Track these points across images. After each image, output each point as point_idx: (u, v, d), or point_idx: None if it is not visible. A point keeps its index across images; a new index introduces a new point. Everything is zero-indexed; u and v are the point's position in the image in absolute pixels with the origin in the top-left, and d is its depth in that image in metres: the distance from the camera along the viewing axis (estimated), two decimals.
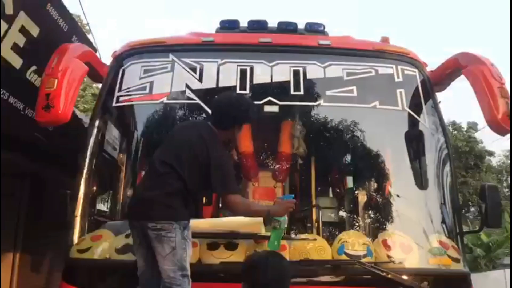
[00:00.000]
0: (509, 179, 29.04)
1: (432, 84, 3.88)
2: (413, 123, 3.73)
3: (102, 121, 3.72)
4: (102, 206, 3.76)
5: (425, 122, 3.71)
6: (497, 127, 3.21)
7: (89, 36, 5.36)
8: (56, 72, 3.19)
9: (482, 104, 3.26)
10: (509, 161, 28.36)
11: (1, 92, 3.50)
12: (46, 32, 3.72)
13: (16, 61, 3.56)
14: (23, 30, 3.52)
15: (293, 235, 3.44)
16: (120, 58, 3.93)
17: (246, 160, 3.84)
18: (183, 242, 2.72)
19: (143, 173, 3.27)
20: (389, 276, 2.98)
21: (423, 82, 3.86)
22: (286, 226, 2.96)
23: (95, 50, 4.68)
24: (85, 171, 3.54)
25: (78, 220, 3.42)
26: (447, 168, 3.63)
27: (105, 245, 3.20)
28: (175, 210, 2.74)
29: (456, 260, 3.22)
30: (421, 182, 3.60)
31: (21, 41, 3.54)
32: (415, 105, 3.77)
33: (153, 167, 2.88)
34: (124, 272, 2.99)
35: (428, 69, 4.01)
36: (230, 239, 3.15)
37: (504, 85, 3.25)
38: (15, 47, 3.51)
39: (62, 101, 3.12)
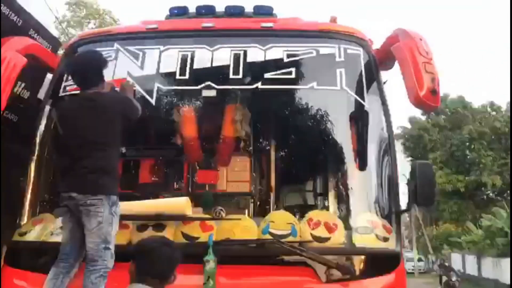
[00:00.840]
0: None
1: (376, 62, 3.82)
2: (351, 102, 3.70)
3: (50, 110, 3.88)
4: (49, 191, 3.90)
5: (364, 101, 3.66)
6: (421, 105, 3.15)
7: None
8: None
9: (406, 80, 3.20)
10: None
11: None
12: None
13: None
14: None
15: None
16: (70, 49, 4.08)
17: (190, 143, 3.93)
18: (109, 217, 2.91)
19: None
20: (309, 255, 3.02)
21: (366, 61, 3.81)
22: (215, 264, 2.97)
23: (59, 44, 4.84)
24: (34, 158, 3.74)
25: (26, 206, 3.64)
26: (386, 147, 3.59)
27: (42, 228, 3.37)
28: (103, 185, 2.93)
29: (384, 239, 3.21)
30: (356, 161, 3.59)
31: None
32: (356, 85, 3.74)
33: (75, 147, 3.03)
34: (54, 252, 3.15)
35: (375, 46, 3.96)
36: (157, 221, 3.26)
37: (431, 60, 3.18)
38: None
39: None
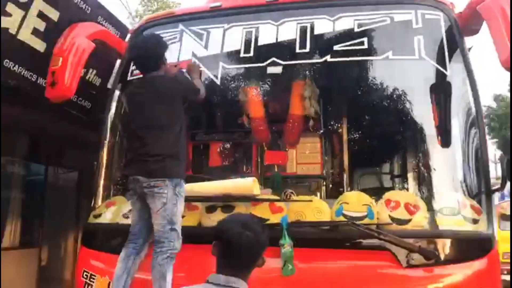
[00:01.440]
0: None
1: (459, 28, 3.43)
2: (432, 72, 3.35)
3: (120, 93, 3.92)
4: (121, 175, 3.96)
5: (446, 70, 3.30)
6: None
7: None
8: (61, 51, 3.43)
9: (497, 42, 2.81)
10: None
11: (29, 75, 3.86)
12: (67, 16, 3.97)
13: (40, 45, 3.87)
14: (41, 15, 3.81)
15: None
16: (136, 33, 4.07)
17: (257, 124, 3.80)
18: (174, 197, 2.88)
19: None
20: (387, 238, 2.77)
21: (448, 26, 3.42)
22: (291, 248, 2.81)
23: (126, 29, 4.90)
24: (106, 142, 3.81)
25: (100, 189, 3.72)
26: (474, 122, 3.21)
27: (116, 210, 3.41)
28: (166, 168, 2.90)
29: (474, 221, 2.87)
30: (440, 137, 3.25)
31: (41, 26, 3.83)
32: (437, 53, 3.38)
33: (139, 131, 3.03)
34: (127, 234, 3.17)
35: (458, 10, 3.56)
36: (226, 202, 3.16)
37: None
38: (36, 32, 3.81)
39: (66, 78, 3.34)
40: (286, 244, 2.82)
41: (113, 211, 3.44)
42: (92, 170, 3.79)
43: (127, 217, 3.29)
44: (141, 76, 3.35)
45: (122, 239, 3.21)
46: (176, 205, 2.87)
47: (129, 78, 3.85)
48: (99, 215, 3.45)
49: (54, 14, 3.90)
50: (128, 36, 4.15)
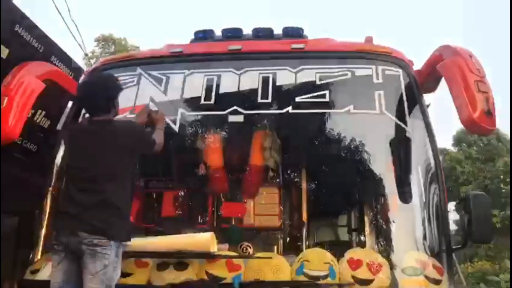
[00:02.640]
0: None
1: (418, 84, 3.50)
2: (393, 127, 3.36)
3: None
4: None
5: (406, 126, 3.33)
6: (474, 127, 2.79)
7: None
8: (7, 90, 3.19)
9: (457, 101, 2.86)
10: None
11: None
12: (18, 53, 3.75)
13: None
14: None
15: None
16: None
17: (216, 174, 3.65)
18: (115, 260, 2.58)
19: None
20: None
21: (407, 82, 3.49)
22: None
23: (81, 70, 4.72)
24: (50, 188, 3.52)
25: (41, 240, 3.40)
26: (433, 177, 3.22)
27: None
28: (113, 227, 2.59)
29: (436, 282, 2.79)
30: (400, 192, 3.21)
31: None
32: (397, 108, 3.42)
33: (79, 180, 2.71)
34: None
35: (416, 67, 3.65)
36: (179, 259, 2.94)
37: (483, 78, 2.84)
38: None
39: (10, 119, 3.10)
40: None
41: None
42: (33, 217, 3.48)
43: None
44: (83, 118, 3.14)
45: None
46: (116, 269, 2.56)
47: (80, 120, 3.65)
48: (37, 271, 3.11)
49: (3, 51, 3.67)
50: (82, 77, 3.96)
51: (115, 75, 3.70)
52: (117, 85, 2.95)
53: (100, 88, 2.85)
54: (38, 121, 4.20)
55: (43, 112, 4.24)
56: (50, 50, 4.20)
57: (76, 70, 4.58)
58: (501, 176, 32.39)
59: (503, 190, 32.22)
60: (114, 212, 2.62)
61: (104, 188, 2.62)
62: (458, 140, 31.69)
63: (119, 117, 3.15)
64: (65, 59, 4.44)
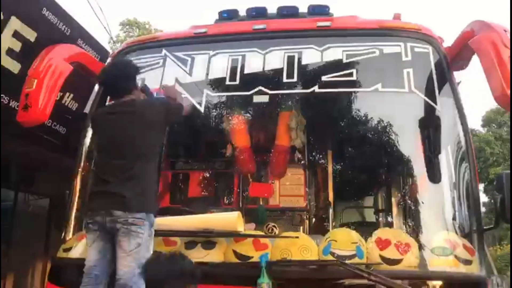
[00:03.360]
0: None
1: (448, 61, 3.39)
2: (422, 106, 3.28)
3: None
4: None
5: (436, 104, 3.23)
6: (507, 104, 2.69)
7: None
8: (36, 73, 3.23)
9: (490, 77, 2.75)
10: None
11: (1, 97, 3.64)
12: (45, 37, 3.80)
13: (14, 66, 3.68)
14: (17, 35, 3.63)
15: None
16: (116, 57, 3.92)
17: (242, 155, 3.65)
18: (148, 240, 2.63)
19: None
20: (378, 279, 2.61)
21: (437, 60, 3.38)
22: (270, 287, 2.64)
23: (107, 52, 4.75)
24: (79, 170, 3.58)
25: (72, 220, 3.48)
26: (464, 156, 3.13)
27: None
28: (145, 202, 2.65)
29: (466, 262, 2.74)
30: (429, 172, 3.15)
31: (16, 46, 3.65)
32: (427, 86, 3.32)
33: (109, 160, 2.78)
34: None
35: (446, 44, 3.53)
36: (207, 237, 2.97)
37: None
38: (10, 52, 3.62)
39: (40, 101, 3.14)
40: (264, 284, 2.64)
41: (85, 245, 3.18)
42: (64, 198, 3.55)
43: None
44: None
45: None
46: (149, 248, 2.62)
47: (107, 103, 3.68)
48: (70, 249, 3.19)
49: (31, 35, 3.73)
50: (109, 59, 3.98)
51: (141, 57, 3.79)
52: (134, 66, 3.01)
53: (118, 71, 2.93)
54: (66, 103, 4.27)
55: (71, 95, 4.31)
56: (76, 33, 4.25)
57: (102, 52, 4.62)
58: None
59: None
60: (145, 187, 2.67)
61: (133, 165, 2.67)
62: (487, 121, 30.94)
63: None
64: (92, 42, 4.48)
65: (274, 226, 3.57)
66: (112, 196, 2.62)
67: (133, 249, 2.54)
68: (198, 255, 2.93)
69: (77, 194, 3.53)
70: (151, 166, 2.75)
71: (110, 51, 5.47)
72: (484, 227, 2.90)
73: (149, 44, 3.91)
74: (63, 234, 3.37)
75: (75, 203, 3.51)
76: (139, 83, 3.01)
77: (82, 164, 3.62)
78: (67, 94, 4.22)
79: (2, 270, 6.29)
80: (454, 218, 3.00)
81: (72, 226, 3.44)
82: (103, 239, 2.66)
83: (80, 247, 3.18)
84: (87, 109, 4.26)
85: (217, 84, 3.54)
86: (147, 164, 2.71)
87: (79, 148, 3.61)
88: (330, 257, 2.78)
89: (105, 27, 6.33)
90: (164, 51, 3.73)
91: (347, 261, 2.71)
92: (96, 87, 4.06)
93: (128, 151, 2.71)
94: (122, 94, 2.88)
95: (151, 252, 2.64)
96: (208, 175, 4.07)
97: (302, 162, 4.12)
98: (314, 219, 4.36)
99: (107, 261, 2.64)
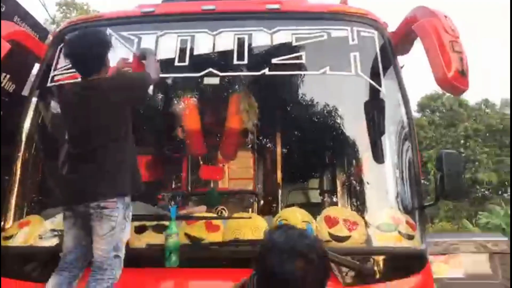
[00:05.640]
0: None
1: (392, 46, 3.52)
2: (368, 89, 3.39)
3: (38, 102, 3.55)
4: (38, 192, 3.57)
5: (381, 87, 3.36)
6: (448, 86, 2.86)
7: None
8: None
9: (432, 60, 2.90)
10: None
11: None
12: None
13: None
14: None
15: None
16: (58, 37, 3.74)
17: (192, 137, 3.62)
18: (123, 222, 2.61)
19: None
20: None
21: (381, 44, 3.50)
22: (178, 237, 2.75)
23: (47, 33, 4.50)
24: (20, 156, 3.41)
25: (12, 207, 3.31)
26: (406, 137, 3.30)
27: (30, 231, 3.04)
28: (116, 184, 2.60)
29: (409, 237, 2.91)
30: (373, 152, 3.28)
31: None
32: (372, 70, 3.44)
33: (76, 145, 2.72)
34: (46, 258, 2.83)
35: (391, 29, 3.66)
36: (158, 221, 2.94)
37: (458, 39, 2.89)
38: None
39: None
40: (174, 235, 2.75)
41: (27, 232, 3.05)
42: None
43: (45, 239, 2.95)
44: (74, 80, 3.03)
45: (38, 264, 2.89)
46: (124, 230, 2.60)
47: (49, 84, 3.51)
48: (10, 237, 3.04)
49: None
50: (49, 38, 3.78)
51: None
52: (106, 42, 2.84)
53: (89, 47, 2.72)
54: (2, 84, 4.00)
55: (7, 76, 4.05)
56: (13, 10, 3.98)
57: (40, 32, 4.36)
58: (462, 141, 33.64)
59: (463, 154, 33.53)
60: (114, 170, 2.61)
61: (102, 149, 2.60)
62: (422, 106, 32.54)
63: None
64: (29, 21, 4.21)
65: (223, 209, 3.58)
66: (82, 186, 2.58)
67: (107, 232, 2.53)
68: (149, 240, 2.90)
69: (17, 181, 3.37)
70: (121, 148, 2.65)
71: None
72: (425, 204, 3.07)
73: (93, 23, 3.74)
74: (2, 222, 3.20)
75: (15, 190, 3.35)
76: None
77: (22, 149, 3.45)
78: (3, 74, 3.95)
79: None
80: (397, 196, 3.15)
81: (12, 213, 3.29)
82: (78, 226, 2.63)
83: (22, 234, 3.05)
84: (25, 91, 4.02)
85: (166, 65, 3.46)
86: (115, 147, 2.62)
87: (19, 132, 3.43)
88: None
89: (43, 5, 5.95)
90: (109, 31, 3.60)
91: None
92: (35, 68, 3.86)
93: (94, 136, 2.62)
94: (91, 72, 2.72)
95: (128, 235, 2.64)
96: (157, 159, 3.99)
97: (251, 145, 4.15)
98: (263, 202, 4.41)
99: (83, 246, 2.62)
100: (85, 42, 2.77)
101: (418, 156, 3.23)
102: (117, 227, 2.55)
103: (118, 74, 2.96)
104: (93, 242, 2.56)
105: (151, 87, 3.28)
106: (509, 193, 27.71)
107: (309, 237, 1.60)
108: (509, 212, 19.40)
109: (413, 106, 26.79)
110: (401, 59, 3.63)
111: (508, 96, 28.93)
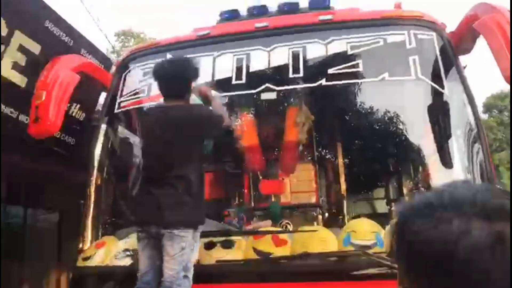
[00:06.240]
0: None
1: (453, 47, 3.40)
2: (430, 92, 3.29)
3: (107, 128, 3.74)
4: (111, 213, 3.74)
5: (444, 89, 3.24)
6: None
7: None
8: (45, 84, 3.25)
9: (498, 58, 2.76)
10: None
11: (10, 111, 3.65)
12: (49, 49, 3.81)
13: (20, 80, 3.69)
14: (22, 49, 3.64)
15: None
16: (121, 65, 3.94)
17: (251, 153, 3.66)
18: (192, 242, 2.64)
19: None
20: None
21: (441, 45, 3.39)
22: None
23: (111, 63, 4.77)
24: (93, 179, 3.60)
25: (88, 229, 3.49)
26: (475, 140, 3.14)
27: (105, 252, 3.18)
28: (187, 216, 2.63)
29: None
30: (441, 157, 3.15)
31: (21, 59, 3.66)
32: (433, 72, 3.33)
33: (150, 171, 2.77)
34: (121, 277, 2.95)
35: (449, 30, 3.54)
36: (226, 237, 2.98)
37: None
38: (16, 66, 3.63)
39: (50, 112, 3.15)
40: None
41: (103, 253, 3.20)
42: (74, 210, 3.57)
43: (119, 258, 3.07)
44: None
45: (115, 282, 3.00)
46: (193, 251, 2.65)
47: (116, 110, 3.70)
48: (89, 257, 3.20)
49: (35, 47, 3.74)
50: (113, 68, 4.00)
51: (145, 63, 3.80)
52: (195, 70, 2.89)
53: (179, 72, 2.81)
54: (73, 114, 4.28)
55: (78, 105, 4.32)
56: (79, 43, 4.26)
57: (105, 61, 4.63)
58: None
59: None
60: (189, 200, 2.63)
61: (180, 176, 2.63)
62: (488, 107, 30.87)
63: (154, 103, 3.21)
64: (94, 52, 4.49)
65: (288, 223, 3.57)
66: (157, 208, 2.60)
67: (177, 252, 2.55)
68: (218, 254, 2.95)
69: (92, 204, 3.54)
70: (196, 175, 2.68)
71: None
72: None
73: (152, 49, 3.92)
74: (80, 244, 3.37)
75: (90, 214, 3.52)
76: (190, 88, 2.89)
77: (94, 174, 3.64)
78: (74, 104, 4.22)
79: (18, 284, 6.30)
80: None
81: (88, 236, 3.46)
82: (152, 245, 2.66)
83: (99, 255, 3.20)
84: (94, 118, 4.27)
85: (224, 84, 3.55)
86: (191, 174, 2.65)
87: (91, 158, 3.62)
88: (350, 248, 2.79)
89: (106, 37, 6.30)
90: (168, 56, 3.74)
91: (368, 251, 2.72)
92: (102, 96, 4.08)
93: (173, 160, 2.66)
94: (176, 96, 2.79)
95: (196, 254, 2.68)
96: (219, 176, 4.06)
97: (311, 157, 4.12)
98: (327, 214, 4.36)
99: (157, 266, 2.64)
100: (179, 66, 2.86)
101: (490, 158, 3.06)
102: (187, 248, 2.56)
103: (205, 108, 2.97)
104: (164, 262, 2.57)
105: None
106: None
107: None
108: None
109: (479, 107, 25.51)
110: (463, 59, 3.51)
111: None
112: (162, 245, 2.60)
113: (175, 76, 2.79)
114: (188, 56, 3.22)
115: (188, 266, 2.60)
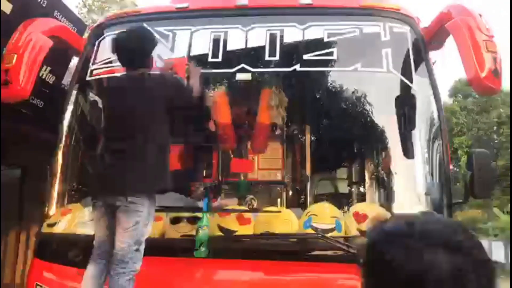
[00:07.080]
0: None
1: (425, 42, 3.51)
2: (399, 85, 3.40)
3: (77, 95, 3.71)
4: (78, 180, 3.75)
5: (412, 84, 3.36)
6: (481, 86, 2.84)
7: None
8: (15, 48, 3.17)
9: (464, 59, 2.89)
10: None
11: None
12: (21, 9, 3.69)
13: None
14: None
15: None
16: (95, 31, 3.86)
17: (223, 130, 3.72)
18: (147, 218, 2.68)
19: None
20: (355, 251, 2.78)
21: (414, 40, 3.49)
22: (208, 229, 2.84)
23: (85, 26, 4.66)
24: (61, 145, 3.58)
25: (54, 195, 3.50)
26: (437, 134, 3.30)
27: (71, 219, 3.22)
28: (146, 183, 2.68)
29: None
30: (403, 148, 3.30)
31: None
32: (404, 66, 3.44)
33: (111, 141, 2.81)
34: (86, 245, 3.00)
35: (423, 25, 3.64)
36: (193, 214, 3.07)
37: (492, 38, 2.86)
38: None
39: (21, 76, 3.10)
40: (205, 227, 2.84)
41: (68, 220, 3.24)
42: (36, 167, 3.56)
43: (83, 226, 3.13)
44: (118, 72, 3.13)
45: (79, 250, 3.05)
46: (147, 226, 2.67)
47: (88, 78, 3.65)
48: (54, 224, 3.23)
49: (6, 6, 3.61)
50: (87, 32, 3.92)
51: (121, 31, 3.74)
52: (153, 39, 2.94)
53: (137, 42, 2.84)
54: (43, 77, 4.19)
55: (48, 68, 4.23)
56: (53, 5, 4.13)
57: (79, 25, 4.52)
58: (495, 127, 32.69)
59: (496, 141, 32.62)
60: (148, 168, 2.67)
61: (138, 145, 2.66)
62: (454, 91, 31.60)
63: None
64: (68, 14, 4.36)
65: (252, 199, 3.69)
66: (115, 181, 2.65)
67: (131, 226, 2.59)
68: (184, 229, 3.04)
69: (59, 170, 3.54)
70: (156, 146, 2.71)
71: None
72: (454, 201, 3.09)
73: (130, 18, 3.85)
74: (45, 209, 3.39)
75: (57, 179, 3.53)
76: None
77: (63, 140, 3.62)
78: (44, 67, 4.13)
79: None
80: (426, 192, 3.18)
81: (54, 201, 3.48)
82: (109, 215, 2.70)
83: (64, 222, 3.24)
84: (65, 82, 4.20)
85: (200, 60, 3.55)
86: (151, 144, 2.68)
87: (60, 124, 3.60)
88: (310, 231, 2.94)
89: None
90: (145, 26, 3.70)
91: (327, 234, 2.87)
92: (73, 60, 4.01)
93: (133, 130, 2.69)
94: (138, 66, 2.82)
95: (150, 230, 2.71)
96: (189, 150, 4.12)
97: (281, 136, 4.21)
98: (291, 192, 4.51)
99: (112, 235, 2.67)
100: (135, 37, 2.88)
101: (449, 152, 3.23)
102: (141, 222, 2.60)
103: (167, 74, 3.03)
104: (117, 234, 2.62)
105: None
106: None
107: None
108: None
109: (446, 91, 26.12)
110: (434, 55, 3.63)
111: None
112: (117, 217, 2.63)
113: (135, 46, 2.82)
114: (158, 27, 3.25)
115: (141, 240, 2.63)
